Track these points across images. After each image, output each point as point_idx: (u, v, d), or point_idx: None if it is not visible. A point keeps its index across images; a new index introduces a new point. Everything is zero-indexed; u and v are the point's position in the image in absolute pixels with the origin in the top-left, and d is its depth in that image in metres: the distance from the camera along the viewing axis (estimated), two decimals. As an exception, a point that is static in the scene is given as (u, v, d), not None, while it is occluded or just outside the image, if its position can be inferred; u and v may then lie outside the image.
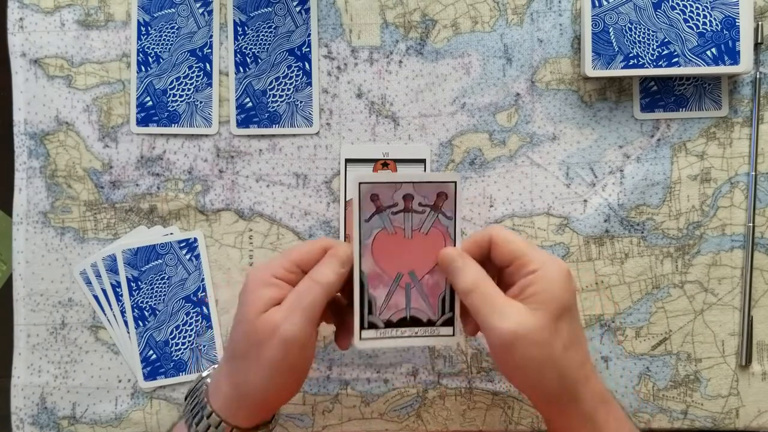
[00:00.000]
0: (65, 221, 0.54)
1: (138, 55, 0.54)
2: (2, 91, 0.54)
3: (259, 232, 0.54)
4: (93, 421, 0.53)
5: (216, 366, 0.47)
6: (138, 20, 0.53)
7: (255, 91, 0.53)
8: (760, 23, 0.52)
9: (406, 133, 0.53)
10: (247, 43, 0.53)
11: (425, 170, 0.53)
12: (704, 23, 0.49)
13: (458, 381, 0.53)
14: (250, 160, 0.54)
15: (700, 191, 0.53)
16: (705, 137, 0.53)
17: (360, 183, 0.42)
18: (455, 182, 0.43)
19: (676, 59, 0.49)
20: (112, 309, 0.53)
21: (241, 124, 0.53)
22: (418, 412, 0.53)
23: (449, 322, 0.45)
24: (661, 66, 0.49)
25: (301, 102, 0.53)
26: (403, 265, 0.44)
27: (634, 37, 0.50)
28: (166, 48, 0.54)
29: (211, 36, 0.54)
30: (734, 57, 0.49)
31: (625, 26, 0.50)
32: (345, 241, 0.53)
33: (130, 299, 0.53)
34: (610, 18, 0.50)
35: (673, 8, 0.49)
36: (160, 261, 0.53)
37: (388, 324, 0.44)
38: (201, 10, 0.53)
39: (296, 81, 0.53)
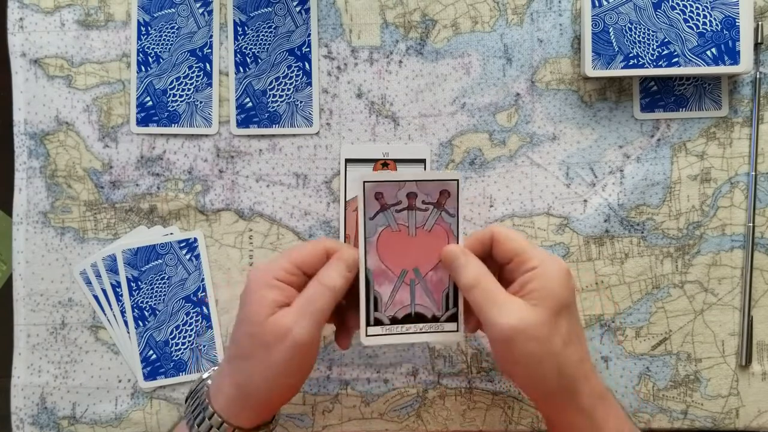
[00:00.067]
0: (65, 221, 0.54)
1: (138, 55, 0.54)
2: (2, 91, 0.54)
3: (259, 232, 0.54)
4: (93, 421, 0.53)
5: (216, 367, 0.47)
6: (138, 20, 0.53)
7: (255, 91, 0.53)
8: (760, 23, 0.52)
9: (406, 133, 0.53)
10: (247, 43, 0.53)
11: (425, 170, 0.53)
12: (704, 23, 0.49)
13: (458, 381, 0.53)
14: (250, 160, 0.54)
15: (700, 191, 0.53)
16: (705, 137, 0.53)
17: (364, 181, 0.43)
18: (457, 180, 0.44)
19: (676, 59, 0.49)
20: (112, 309, 0.53)
21: (241, 124, 0.53)
22: (418, 412, 0.53)
23: (453, 318, 0.45)
24: (661, 66, 0.49)
25: (301, 102, 0.53)
26: (408, 262, 0.44)
27: (634, 37, 0.50)
28: (166, 48, 0.54)
29: (211, 36, 0.54)
30: (734, 57, 0.49)
31: (625, 26, 0.50)
32: (345, 241, 0.53)
33: (130, 299, 0.53)
34: (610, 18, 0.50)
35: (673, 8, 0.49)
36: (160, 261, 0.53)
37: (394, 320, 0.45)
38: (201, 10, 0.53)
39: (296, 81, 0.53)
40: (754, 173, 0.52)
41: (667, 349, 0.53)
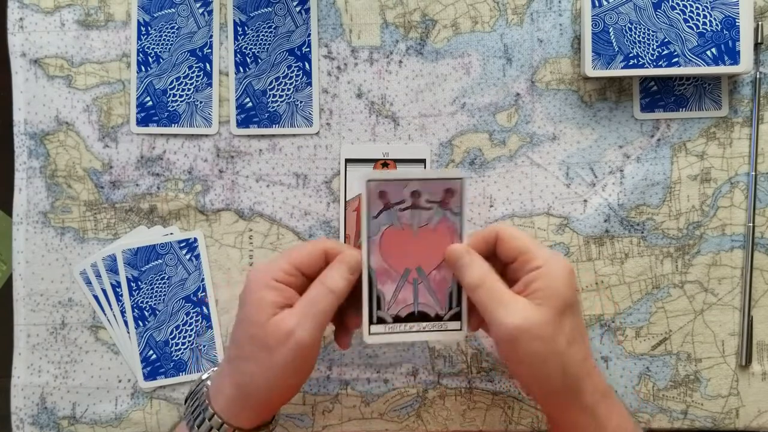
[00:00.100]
0: (65, 221, 0.54)
1: (138, 55, 0.54)
2: (2, 91, 0.54)
3: (259, 232, 0.54)
4: (93, 421, 0.53)
5: (216, 368, 0.47)
6: (138, 20, 0.53)
7: (255, 91, 0.53)
8: (760, 23, 0.52)
9: (406, 133, 0.53)
10: (247, 43, 0.53)
11: (430, 169, 0.53)
12: (704, 23, 0.49)
13: (458, 381, 0.53)
14: (250, 160, 0.54)
15: (700, 191, 0.53)
16: (705, 137, 0.53)
17: (368, 180, 0.42)
18: (462, 179, 0.43)
19: (676, 59, 0.49)
20: (112, 309, 0.53)
21: (241, 124, 0.53)
22: (418, 412, 0.53)
23: (457, 317, 0.45)
24: (661, 66, 0.49)
25: (301, 102, 0.53)
26: (411, 260, 0.44)
27: (634, 37, 0.50)
28: (166, 48, 0.54)
29: (211, 36, 0.54)
30: (734, 57, 0.49)
31: (625, 26, 0.50)
32: (345, 241, 0.53)
33: (130, 299, 0.53)
34: (610, 18, 0.50)
35: (673, 8, 0.49)
36: (160, 261, 0.53)
37: (397, 319, 0.44)
38: (201, 10, 0.53)
39: (296, 81, 0.53)
40: (754, 173, 0.52)
41: (667, 349, 0.53)
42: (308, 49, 0.53)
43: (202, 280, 0.53)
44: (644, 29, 0.49)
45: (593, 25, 0.50)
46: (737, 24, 0.49)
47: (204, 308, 0.53)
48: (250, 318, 0.42)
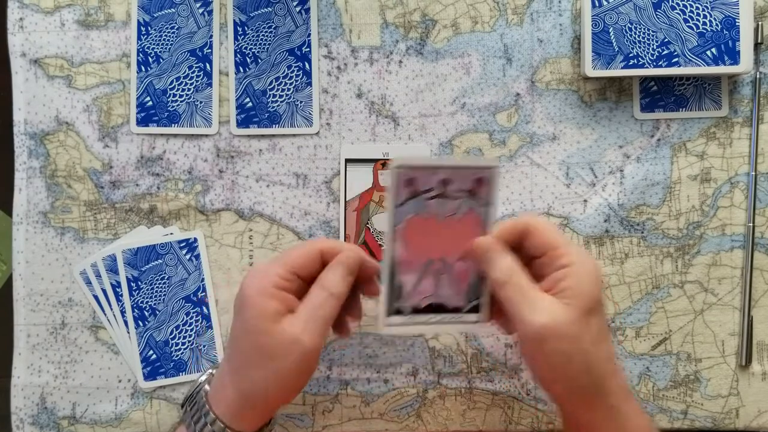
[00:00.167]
0: (65, 221, 0.54)
1: (138, 55, 0.54)
2: (2, 91, 0.54)
3: (259, 232, 0.54)
4: (93, 421, 0.53)
5: (212, 370, 0.46)
6: (138, 20, 0.54)
7: (255, 91, 0.53)
8: (760, 23, 0.52)
9: (406, 133, 0.53)
10: (247, 43, 0.53)
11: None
12: (704, 23, 0.49)
13: (458, 381, 0.53)
14: (250, 160, 0.54)
15: (700, 191, 0.53)
16: (705, 137, 0.53)
17: (396, 167, 0.40)
18: (495, 168, 0.42)
19: (676, 59, 0.49)
20: (112, 309, 0.53)
21: (241, 124, 0.53)
22: (418, 412, 0.53)
23: (476, 309, 0.44)
24: (661, 66, 0.49)
25: (301, 102, 0.53)
26: (434, 250, 0.43)
27: (634, 37, 0.50)
28: (166, 48, 0.54)
29: (211, 36, 0.54)
30: (734, 57, 0.49)
31: (625, 26, 0.50)
32: (345, 241, 0.53)
33: (130, 299, 0.53)
34: (610, 18, 0.50)
35: (673, 8, 0.49)
36: (160, 261, 0.53)
37: (415, 310, 0.43)
38: (201, 10, 0.53)
39: (296, 81, 0.53)
40: (754, 173, 0.52)
41: (667, 349, 0.53)
42: (308, 49, 0.53)
43: (202, 280, 0.53)
44: (644, 29, 0.49)
45: (593, 25, 0.50)
46: (737, 24, 0.49)
47: (204, 308, 0.53)
48: (254, 327, 0.41)
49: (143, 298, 0.53)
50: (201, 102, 0.53)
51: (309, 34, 0.53)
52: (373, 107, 0.53)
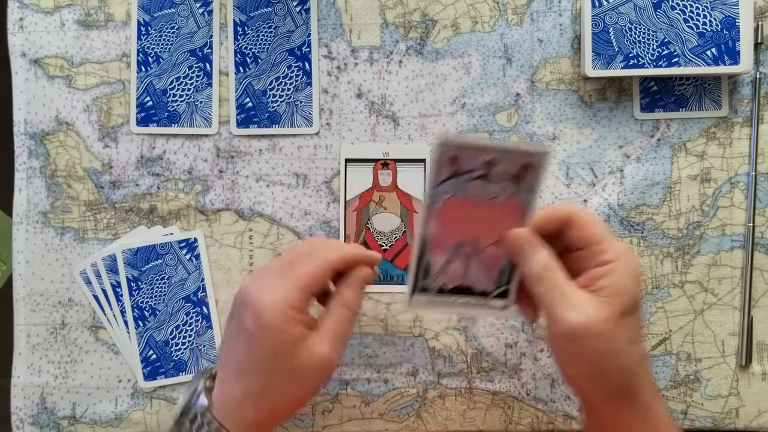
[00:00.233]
0: (65, 221, 0.54)
1: (138, 55, 0.54)
2: (2, 91, 0.54)
3: (259, 232, 0.54)
4: (93, 421, 0.53)
5: (205, 383, 0.44)
6: (138, 20, 0.54)
7: (255, 91, 0.53)
8: (760, 23, 0.52)
9: (406, 133, 0.53)
10: (247, 43, 0.53)
11: (425, 170, 0.53)
12: (704, 23, 0.49)
13: (458, 381, 0.53)
14: (250, 160, 0.54)
15: (700, 191, 0.53)
16: (705, 137, 0.53)
17: (441, 143, 0.38)
18: (545, 153, 0.39)
19: (676, 59, 0.49)
20: (112, 309, 0.53)
21: (241, 124, 0.53)
22: (418, 412, 0.53)
23: (503, 295, 0.43)
24: (661, 66, 0.49)
25: (301, 102, 0.53)
26: (468, 233, 0.41)
27: (634, 37, 0.50)
28: (166, 48, 0.54)
29: (211, 36, 0.54)
30: (734, 57, 0.49)
31: (625, 26, 0.50)
32: (345, 241, 0.53)
33: (130, 299, 0.53)
34: (610, 18, 0.50)
35: (673, 8, 0.49)
36: (160, 261, 0.53)
37: (441, 290, 0.43)
38: (201, 10, 0.53)
39: (296, 81, 0.53)
40: (754, 173, 0.52)
41: (667, 349, 0.53)
42: (308, 49, 0.53)
43: (202, 280, 0.53)
44: (644, 29, 0.49)
45: (593, 25, 0.50)
46: (737, 24, 0.49)
47: (204, 308, 0.53)
48: (281, 351, 0.41)
49: (143, 298, 0.53)
50: (201, 102, 0.53)
51: (309, 34, 0.53)
52: (373, 107, 0.53)
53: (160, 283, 0.53)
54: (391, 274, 0.53)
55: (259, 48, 0.53)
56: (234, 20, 0.53)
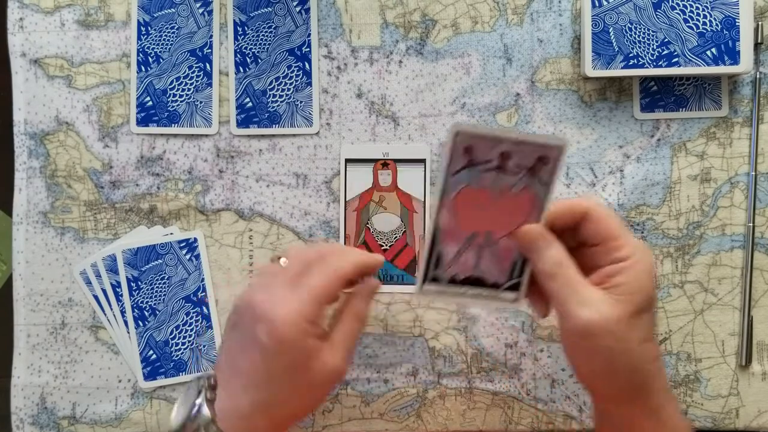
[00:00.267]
0: (65, 221, 0.54)
1: (138, 55, 0.54)
2: (2, 91, 0.54)
3: (259, 232, 0.54)
4: (93, 421, 0.53)
5: (204, 394, 0.41)
6: (138, 20, 0.54)
7: (255, 91, 0.53)
8: (760, 23, 0.52)
9: (406, 133, 0.53)
10: (247, 43, 0.53)
11: (425, 170, 0.53)
12: (704, 23, 0.49)
13: (458, 381, 0.53)
14: (250, 160, 0.54)
15: (700, 191, 0.53)
16: (705, 137, 0.53)
17: (456, 132, 0.38)
18: (563, 146, 0.39)
19: (676, 59, 0.49)
20: (112, 309, 0.53)
21: (241, 124, 0.53)
22: (418, 412, 0.53)
23: (514, 288, 0.43)
24: (661, 66, 0.49)
25: (301, 102, 0.53)
26: (482, 224, 0.41)
27: (634, 37, 0.50)
28: (166, 48, 0.54)
29: (211, 36, 0.54)
30: (734, 57, 0.49)
31: (625, 26, 0.50)
32: (345, 241, 0.53)
33: (130, 299, 0.53)
34: (610, 18, 0.50)
35: (673, 8, 0.49)
36: (160, 261, 0.53)
37: (452, 281, 0.42)
38: (201, 10, 0.53)
39: (296, 81, 0.53)
40: (754, 173, 0.52)
41: (667, 349, 0.53)
42: (308, 49, 0.53)
43: (202, 280, 0.53)
44: (644, 29, 0.49)
45: (593, 25, 0.50)
46: (737, 24, 0.49)
47: (204, 308, 0.53)
48: (293, 364, 0.41)
49: (143, 298, 0.53)
50: (201, 102, 0.53)
51: (309, 34, 0.53)
52: (373, 107, 0.53)
53: (160, 283, 0.53)
54: (391, 274, 0.53)
55: (259, 48, 0.53)
56: (234, 20, 0.53)
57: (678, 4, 0.49)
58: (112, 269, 0.53)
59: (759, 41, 0.51)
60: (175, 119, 0.54)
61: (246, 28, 0.53)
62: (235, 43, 0.53)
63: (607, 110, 0.53)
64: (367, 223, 0.53)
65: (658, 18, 0.49)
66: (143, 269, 0.53)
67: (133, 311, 0.53)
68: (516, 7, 0.53)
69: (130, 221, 0.54)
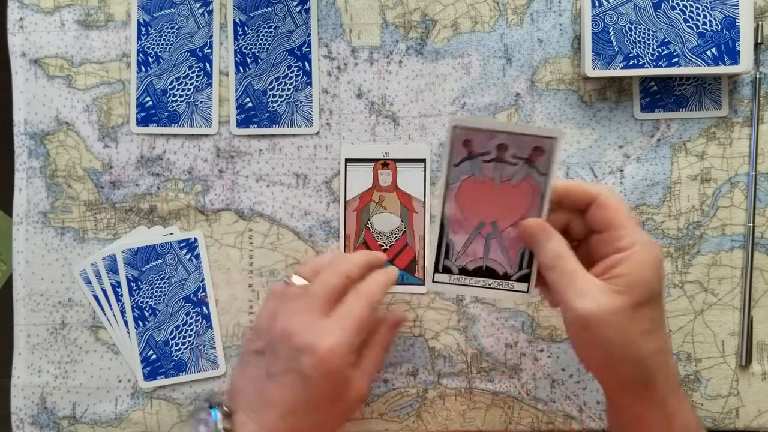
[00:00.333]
0: (65, 221, 0.54)
1: (138, 55, 0.54)
2: (2, 91, 0.54)
3: (259, 232, 0.54)
4: (93, 421, 0.53)
5: (228, 419, 0.43)
6: (138, 20, 0.54)
7: (255, 91, 0.53)
8: (760, 23, 0.52)
9: (406, 133, 0.53)
10: (247, 43, 0.53)
11: (425, 170, 0.53)
12: (704, 23, 0.49)
13: (458, 381, 0.53)
14: (250, 160, 0.54)
15: (700, 191, 0.53)
16: (705, 137, 0.53)
17: (454, 126, 0.40)
18: (555, 138, 0.40)
19: (676, 59, 0.49)
20: (112, 309, 0.53)
21: (241, 124, 0.53)
22: (418, 412, 0.53)
23: (525, 278, 0.43)
24: (661, 66, 0.49)
25: (301, 102, 0.53)
26: (487, 214, 0.42)
27: (634, 37, 0.50)
28: (166, 48, 0.54)
29: (211, 36, 0.54)
30: (734, 57, 0.49)
31: (625, 26, 0.50)
32: (345, 241, 0.53)
33: (130, 299, 0.53)
34: (610, 18, 0.50)
35: (673, 8, 0.49)
36: (160, 261, 0.53)
37: (463, 271, 0.43)
38: (201, 10, 0.53)
39: (296, 81, 0.53)
40: (754, 173, 0.52)
41: (667, 349, 0.53)
42: (308, 49, 0.53)
43: (202, 280, 0.53)
44: (644, 29, 0.49)
45: (593, 25, 0.50)
46: (737, 24, 0.49)
47: (204, 308, 0.53)
48: (335, 393, 0.42)
49: (143, 298, 0.53)
50: (201, 102, 0.53)
51: (309, 34, 0.53)
52: (373, 107, 0.53)
53: (160, 283, 0.53)
54: (391, 274, 0.53)
55: (259, 48, 0.53)
56: (234, 20, 0.53)
57: (678, 4, 0.49)
58: (112, 269, 0.53)
59: (759, 41, 0.51)
60: (175, 119, 0.54)
61: (246, 28, 0.53)
62: (235, 43, 0.53)
63: (607, 110, 0.53)
64: (367, 223, 0.53)
65: (658, 18, 0.49)
66: (143, 269, 0.53)
67: (133, 311, 0.53)
68: (516, 7, 0.53)
69: (130, 221, 0.54)
